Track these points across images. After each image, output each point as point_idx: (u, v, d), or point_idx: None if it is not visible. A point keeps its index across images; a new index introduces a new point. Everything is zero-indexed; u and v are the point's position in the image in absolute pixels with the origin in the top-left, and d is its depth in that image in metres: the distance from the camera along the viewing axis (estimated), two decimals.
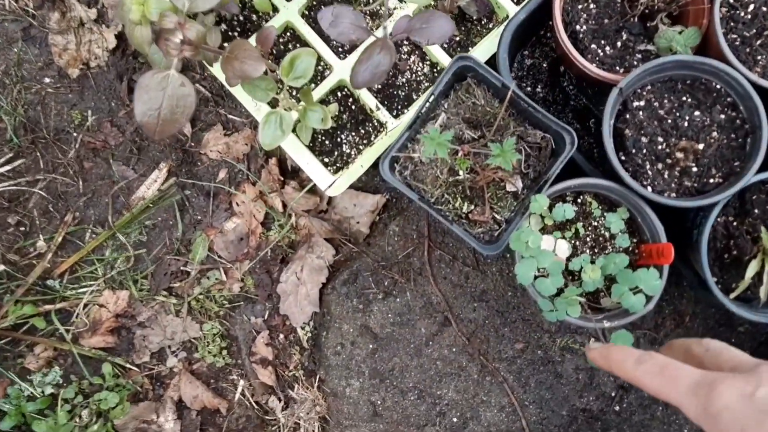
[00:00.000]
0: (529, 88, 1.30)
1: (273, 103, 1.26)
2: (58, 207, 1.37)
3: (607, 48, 1.16)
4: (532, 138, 1.14)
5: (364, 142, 1.28)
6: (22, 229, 1.36)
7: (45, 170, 1.38)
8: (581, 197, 1.13)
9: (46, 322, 1.33)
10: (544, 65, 1.31)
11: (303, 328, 1.35)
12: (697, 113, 1.10)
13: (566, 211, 1.09)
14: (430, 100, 1.12)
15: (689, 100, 1.11)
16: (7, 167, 1.36)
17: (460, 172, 1.12)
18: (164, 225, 1.39)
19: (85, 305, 1.34)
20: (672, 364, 0.64)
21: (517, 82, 1.27)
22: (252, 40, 1.28)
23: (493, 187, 1.14)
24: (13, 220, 1.36)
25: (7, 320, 1.29)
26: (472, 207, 1.14)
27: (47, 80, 1.40)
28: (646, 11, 1.16)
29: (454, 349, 1.31)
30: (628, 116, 1.11)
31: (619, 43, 1.16)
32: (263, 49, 1.18)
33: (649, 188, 1.09)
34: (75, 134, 1.39)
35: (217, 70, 1.24)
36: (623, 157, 1.10)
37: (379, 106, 1.26)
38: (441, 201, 1.14)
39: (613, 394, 1.29)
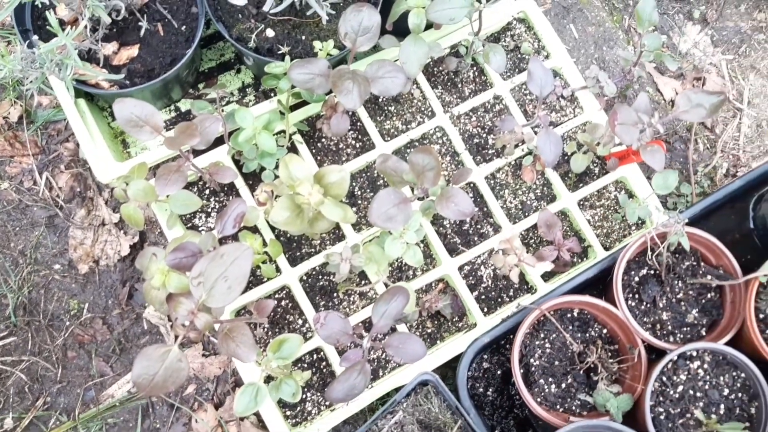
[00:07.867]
0: (481, 389, 1.45)
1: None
2: (33, 389, 1.47)
3: (553, 386, 1.32)
4: None
5: (326, 404, 1.41)
6: None
7: (31, 352, 1.48)
8: None
9: None
10: (498, 372, 1.46)
11: None
12: None
13: None
14: (391, 407, 1.26)
15: None
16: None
17: None
18: (124, 425, 1.48)
19: None
20: None
21: (471, 382, 1.43)
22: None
23: None
24: None
25: None
26: None
27: (57, 267, 1.53)
28: (592, 366, 1.33)
29: None
30: None
31: (564, 385, 1.33)
32: (260, 316, 1.33)
33: None
34: (68, 323, 1.50)
35: None
36: None
37: None
38: None
39: None
